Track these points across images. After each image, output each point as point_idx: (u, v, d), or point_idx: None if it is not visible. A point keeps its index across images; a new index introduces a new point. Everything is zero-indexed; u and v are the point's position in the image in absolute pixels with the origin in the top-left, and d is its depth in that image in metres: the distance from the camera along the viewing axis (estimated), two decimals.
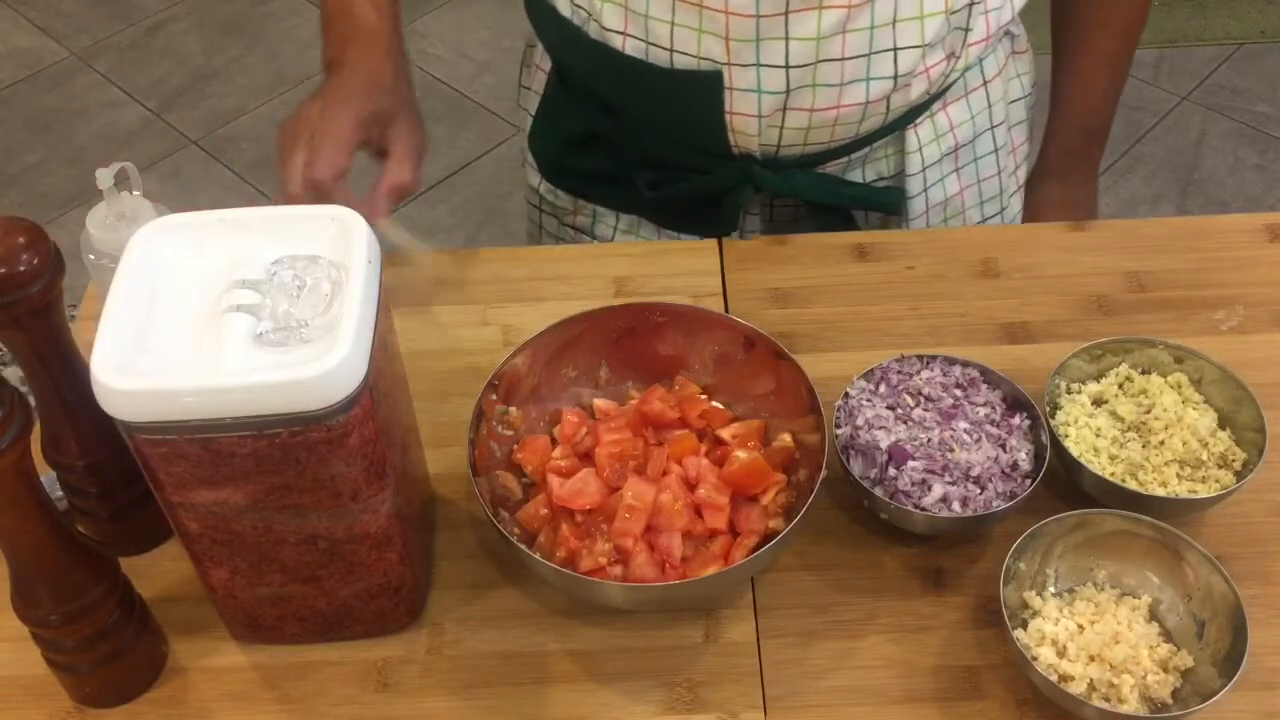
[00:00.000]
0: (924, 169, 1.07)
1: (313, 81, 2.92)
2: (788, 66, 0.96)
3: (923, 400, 0.86)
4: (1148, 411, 0.85)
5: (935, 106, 1.06)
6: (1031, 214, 1.21)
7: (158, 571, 0.84)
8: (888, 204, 1.09)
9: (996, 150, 1.12)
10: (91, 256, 0.86)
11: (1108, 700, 0.72)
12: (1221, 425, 0.85)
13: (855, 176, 1.09)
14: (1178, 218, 1.16)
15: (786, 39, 0.95)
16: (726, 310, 1.00)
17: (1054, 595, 0.79)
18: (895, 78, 0.98)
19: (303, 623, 0.79)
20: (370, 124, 0.95)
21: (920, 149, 1.06)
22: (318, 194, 0.91)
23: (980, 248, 1.05)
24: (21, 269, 0.68)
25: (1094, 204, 1.23)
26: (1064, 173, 1.21)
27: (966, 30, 1.00)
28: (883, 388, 0.87)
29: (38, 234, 0.69)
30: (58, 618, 0.72)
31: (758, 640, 0.80)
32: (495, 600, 0.83)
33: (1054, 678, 0.73)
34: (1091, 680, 0.73)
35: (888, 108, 1.01)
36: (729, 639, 0.80)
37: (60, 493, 0.83)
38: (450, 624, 0.81)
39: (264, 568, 0.74)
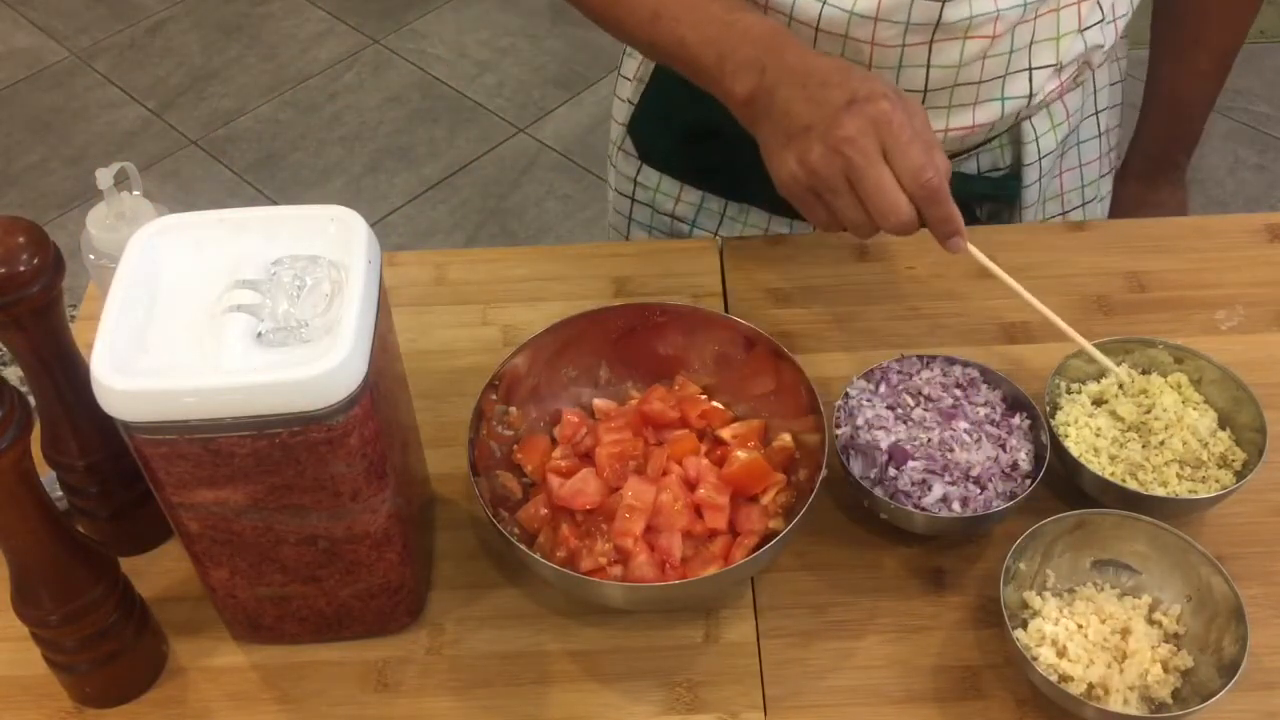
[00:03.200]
0: (1040, 158, 1.07)
1: (312, 81, 2.94)
2: (926, 90, 0.96)
3: (923, 400, 0.86)
4: (1148, 411, 0.85)
5: (1051, 96, 1.06)
6: (1116, 211, 1.22)
7: (158, 571, 0.84)
8: (1005, 194, 1.08)
9: (1100, 134, 1.13)
10: (91, 256, 0.86)
11: (1107, 700, 0.72)
12: (1221, 425, 0.85)
13: (969, 166, 1.08)
14: (1178, 218, 1.16)
15: (928, 66, 0.94)
16: (726, 310, 1.00)
17: (1054, 595, 0.79)
18: (1030, 96, 0.98)
19: (303, 623, 0.79)
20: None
21: (1037, 139, 1.06)
22: (936, 202, 0.78)
23: (980, 248, 1.05)
24: (21, 269, 0.68)
25: (1178, 205, 1.24)
26: (1147, 174, 1.22)
27: (1102, 46, 1.00)
28: (883, 388, 0.87)
29: (38, 234, 0.69)
30: (58, 618, 0.72)
31: (758, 640, 0.80)
32: (495, 600, 0.83)
33: (1054, 678, 0.73)
34: (1091, 680, 0.73)
35: (1017, 118, 1.02)
36: (729, 639, 0.80)
37: (60, 493, 0.83)
38: (450, 624, 0.81)
39: (264, 568, 0.74)
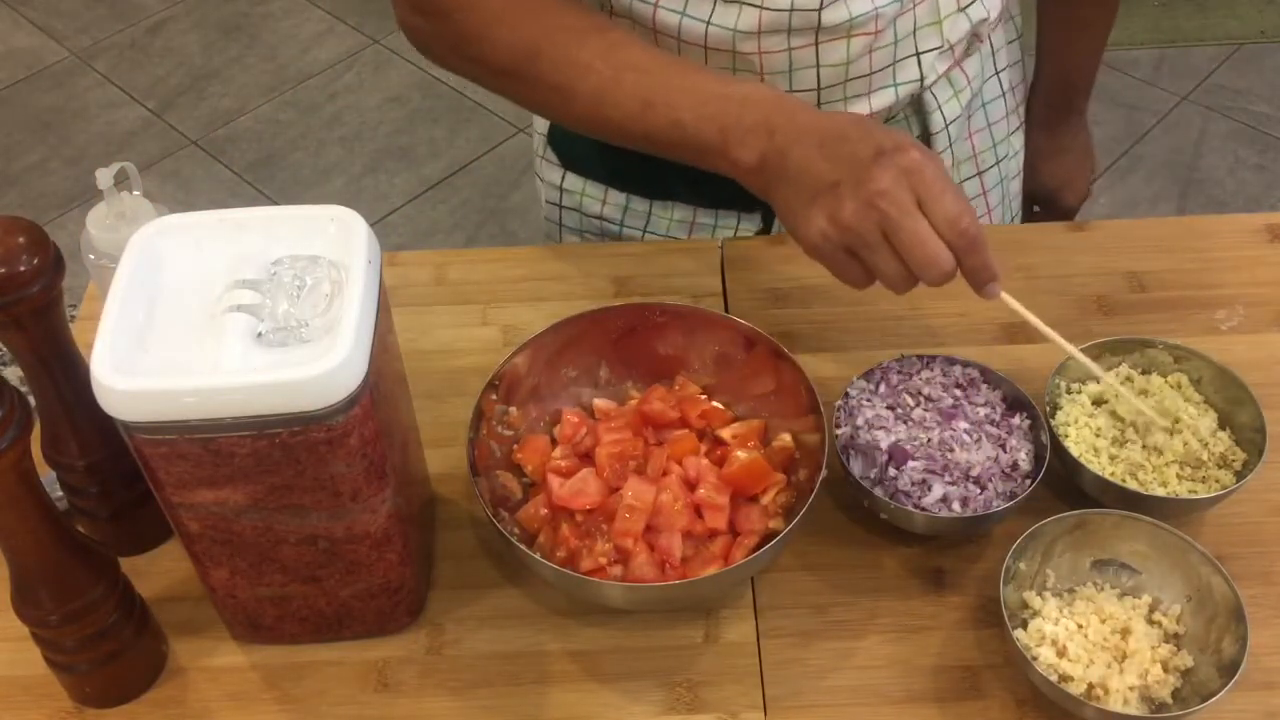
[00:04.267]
0: (947, 125, 1.07)
1: (312, 81, 2.94)
2: (819, 88, 0.97)
3: (923, 400, 0.86)
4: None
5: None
6: (1027, 167, 1.24)
7: (158, 571, 0.84)
8: None
9: (1003, 94, 1.14)
10: (91, 256, 0.86)
11: (1107, 700, 0.72)
12: (1221, 425, 0.85)
13: None
14: (1178, 218, 1.16)
15: (817, 66, 0.95)
16: (726, 310, 1.00)
17: (1054, 595, 0.79)
18: (921, 80, 1.00)
19: (303, 623, 0.79)
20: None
21: (940, 107, 1.06)
22: (975, 250, 0.77)
23: None
24: (21, 269, 0.68)
25: (1083, 148, 1.28)
26: (1049, 123, 1.25)
27: (987, 18, 1.01)
28: (883, 388, 0.87)
29: (38, 234, 0.69)
30: (58, 618, 0.72)
31: (758, 640, 0.80)
32: (495, 600, 0.83)
33: (1054, 678, 0.73)
34: (1091, 680, 0.73)
35: (911, 99, 1.03)
36: (729, 639, 0.80)
37: (60, 493, 0.83)
38: (450, 624, 0.81)
39: (264, 568, 0.74)
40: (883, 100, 1.00)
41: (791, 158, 0.79)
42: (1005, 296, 0.81)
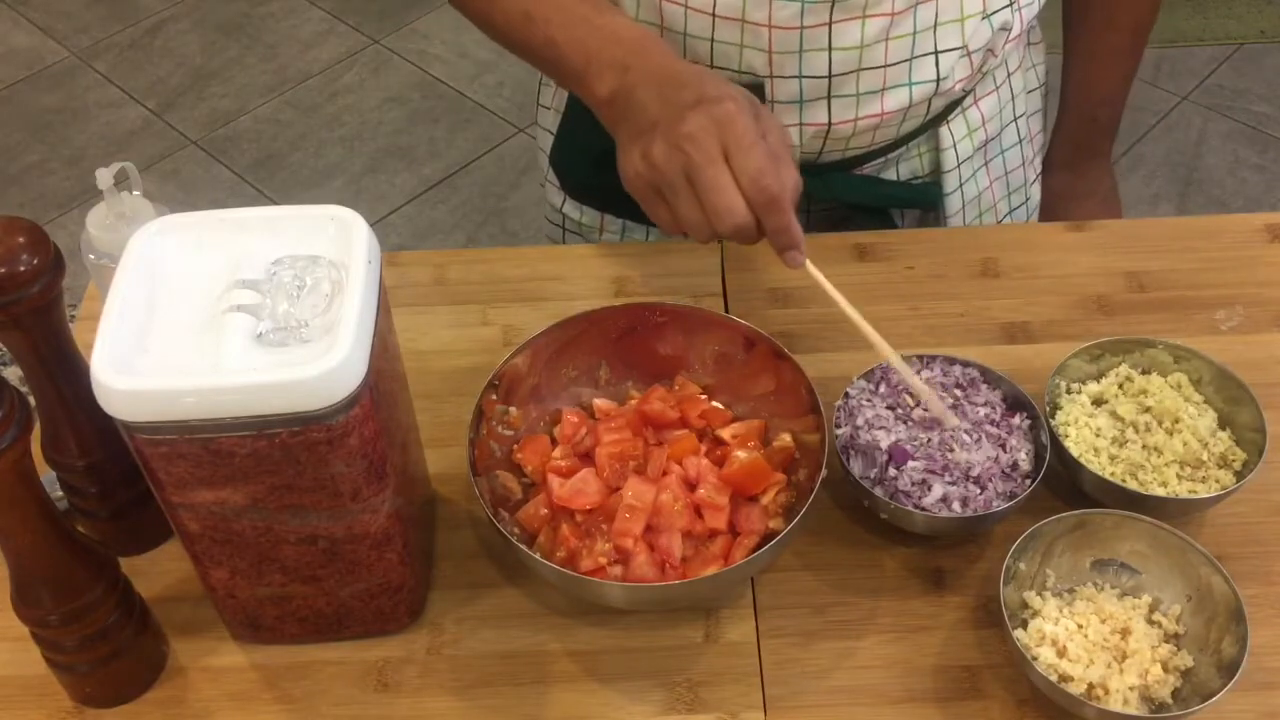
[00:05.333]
0: (959, 164, 1.07)
1: (312, 81, 2.94)
2: (830, 76, 0.96)
3: (923, 400, 0.86)
4: (1147, 411, 0.85)
5: (967, 102, 1.06)
6: (1046, 206, 1.22)
7: (158, 571, 0.84)
8: (925, 201, 1.09)
9: (1020, 141, 1.13)
10: (91, 256, 0.86)
11: (1107, 700, 0.72)
12: (1221, 425, 0.85)
13: (890, 175, 1.09)
14: (1178, 218, 1.16)
15: (829, 49, 0.94)
16: (726, 310, 1.00)
17: (1054, 595, 0.79)
18: (937, 80, 0.98)
19: (303, 623, 0.79)
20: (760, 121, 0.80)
21: (954, 145, 1.06)
22: (774, 211, 0.76)
23: (980, 248, 1.05)
24: (21, 269, 0.68)
25: (1108, 193, 1.23)
26: (1072, 164, 1.22)
27: (1009, 30, 1.00)
28: (883, 388, 0.87)
29: (38, 234, 0.69)
30: (58, 618, 0.72)
31: (758, 640, 0.80)
32: (495, 600, 0.83)
33: (1054, 678, 0.73)
34: (1091, 680, 0.73)
35: (928, 109, 1.01)
36: (729, 639, 0.80)
37: (60, 493, 0.84)
38: (450, 624, 0.81)
39: (264, 568, 0.74)
40: (896, 101, 0.98)
41: (635, 97, 0.81)
42: (810, 268, 0.81)
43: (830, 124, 0.99)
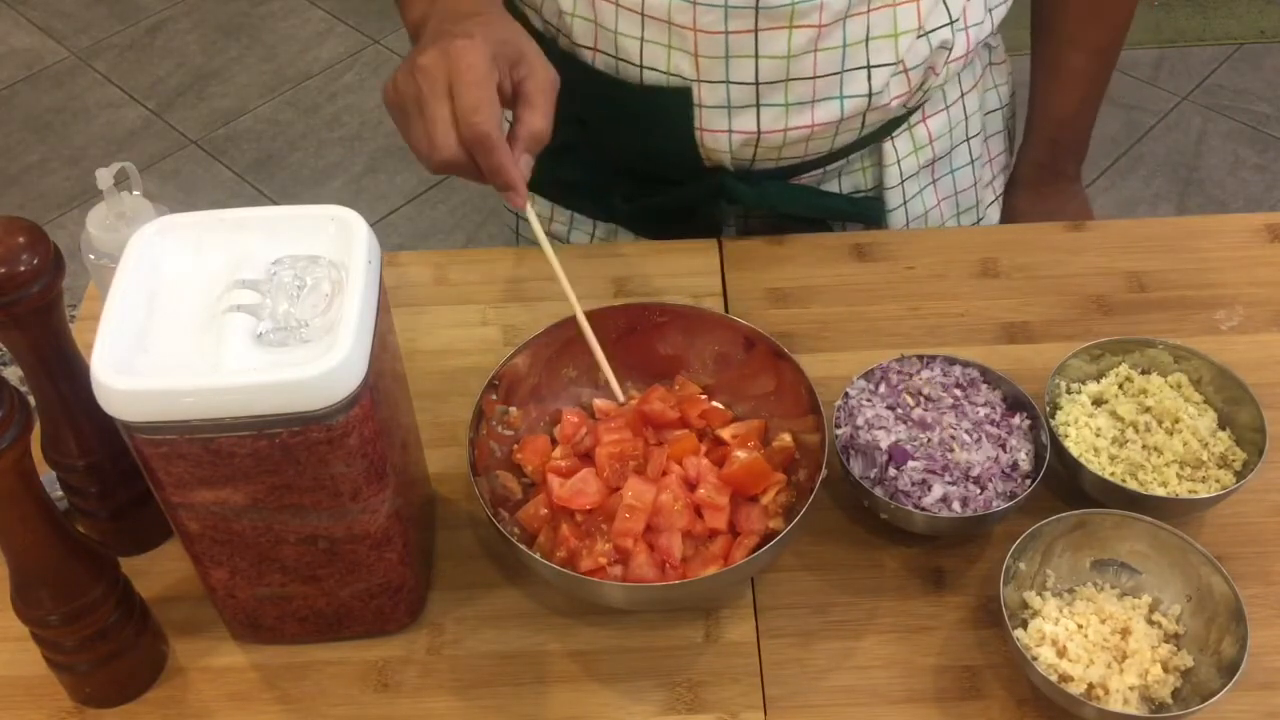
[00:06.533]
0: (903, 181, 1.07)
1: (312, 81, 2.93)
2: (757, 84, 0.95)
3: (923, 400, 0.86)
4: (1147, 411, 0.85)
5: (914, 119, 1.05)
6: (1007, 223, 1.20)
7: (158, 571, 0.84)
8: (867, 216, 1.08)
9: (973, 162, 1.12)
10: (91, 256, 0.86)
11: (1107, 700, 0.72)
12: (1221, 425, 0.85)
13: (832, 187, 1.08)
14: (1178, 218, 1.16)
15: (756, 56, 0.94)
16: (726, 310, 1.00)
17: (1054, 595, 0.79)
18: (869, 95, 0.97)
19: (303, 623, 0.79)
20: (502, 61, 0.79)
21: (899, 161, 1.05)
22: (483, 150, 0.76)
23: (980, 248, 1.05)
24: (21, 269, 0.68)
25: (1076, 214, 1.19)
26: (1034, 184, 1.20)
27: (949, 49, 0.99)
28: (883, 388, 0.87)
29: (38, 234, 0.69)
30: (58, 618, 0.72)
31: (758, 640, 0.80)
32: (495, 600, 0.83)
33: (1054, 678, 0.73)
34: (1091, 680, 0.73)
35: (862, 124, 1.00)
36: (729, 639, 0.80)
37: (60, 493, 0.84)
38: (450, 624, 0.81)
39: (264, 568, 0.74)
40: (827, 113, 0.97)
41: (426, 28, 0.83)
42: (530, 215, 0.81)
43: (760, 132, 0.98)
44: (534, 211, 0.81)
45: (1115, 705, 0.72)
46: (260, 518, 0.70)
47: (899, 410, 0.85)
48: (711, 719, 0.76)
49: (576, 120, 1.06)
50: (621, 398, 0.85)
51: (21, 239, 0.68)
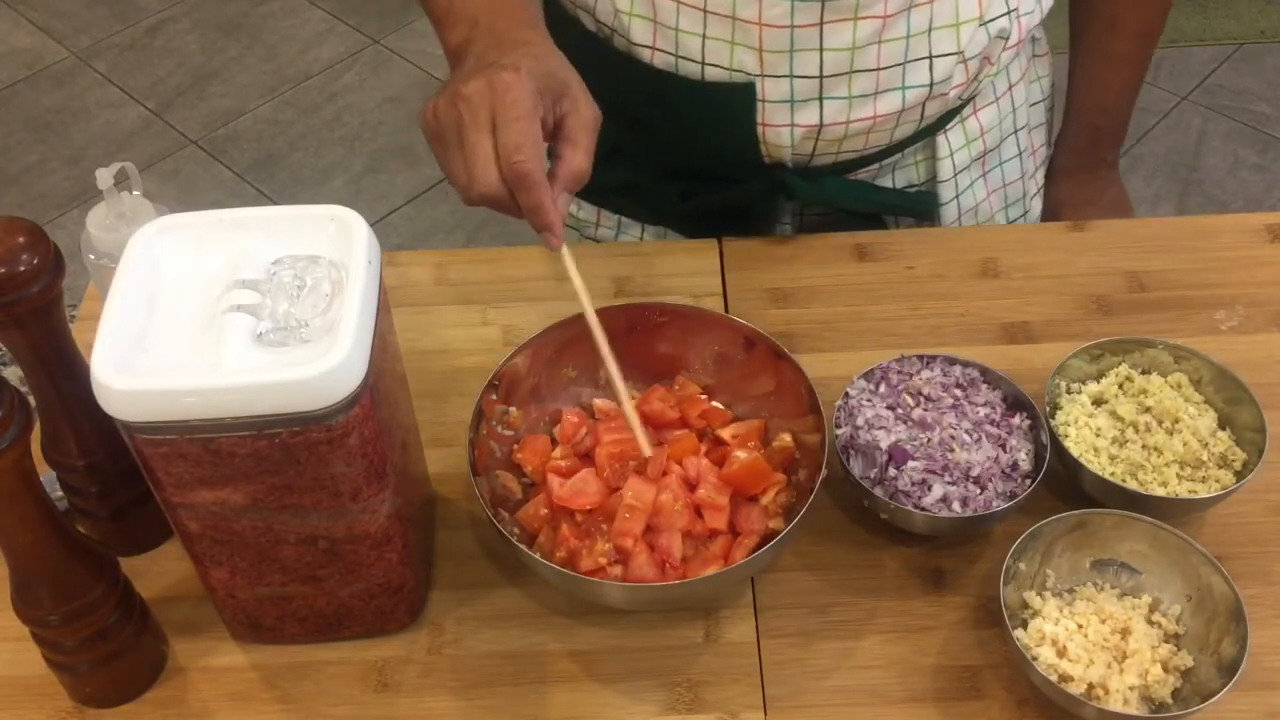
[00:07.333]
0: (955, 174, 1.07)
1: (312, 81, 2.94)
2: (821, 77, 0.95)
3: (923, 400, 0.86)
4: (1147, 411, 0.85)
5: (966, 111, 1.05)
6: (1048, 214, 1.21)
7: (158, 571, 0.84)
8: (920, 210, 1.09)
9: (1020, 154, 1.12)
10: (91, 256, 0.86)
11: (1107, 700, 0.72)
12: (1221, 425, 0.85)
13: (886, 182, 1.08)
14: (1178, 218, 1.16)
15: (821, 50, 0.94)
16: (726, 310, 1.00)
17: (1054, 595, 0.79)
18: (931, 85, 0.98)
19: (303, 623, 0.79)
20: (547, 95, 0.78)
21: (952, 154, 1.06)
22: (524, 188, 0.75)
23: (980, 248, 1.05)
24: (21, 269, 0.68)
25: (1111, 203, 1.21)
26: (1073, 171, 1.21)
27: (1005, 38, 0.99)
28: (883, 388, 0.87)
29: (38, 234, 0.69)
30: (58, 618, 0.72)
31: (758, 640, 0.80)
32: (495, 600, 0.83)
33: (1054, 678, 0.73)
34: (1091, 680, 0.73)
35: (922, 114, 1.01)
36: (729, 639, 0.80)
37: (60, 493, 0.83)
38: (450, 624, 0.81)
39: (264, 568, 0.74)
40: (889, 105, 0.98)
41: (468, 51, 0.81)
42: (566, 256, 0.80)
43: (822, 125, 0.98)
44: (569, 252, 0.80)
45: (1115, 705, 0.72)
46: (260, 518, 0.70)
47: (899, 410, 0.85)
48: (711, 719, 0.76)
49: (628, 123, 1.05)
50: (647, 450, 0.81)
51: (21, 239, 0.68)
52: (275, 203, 2.59)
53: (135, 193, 0.86)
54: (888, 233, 1.08)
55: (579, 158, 0.78)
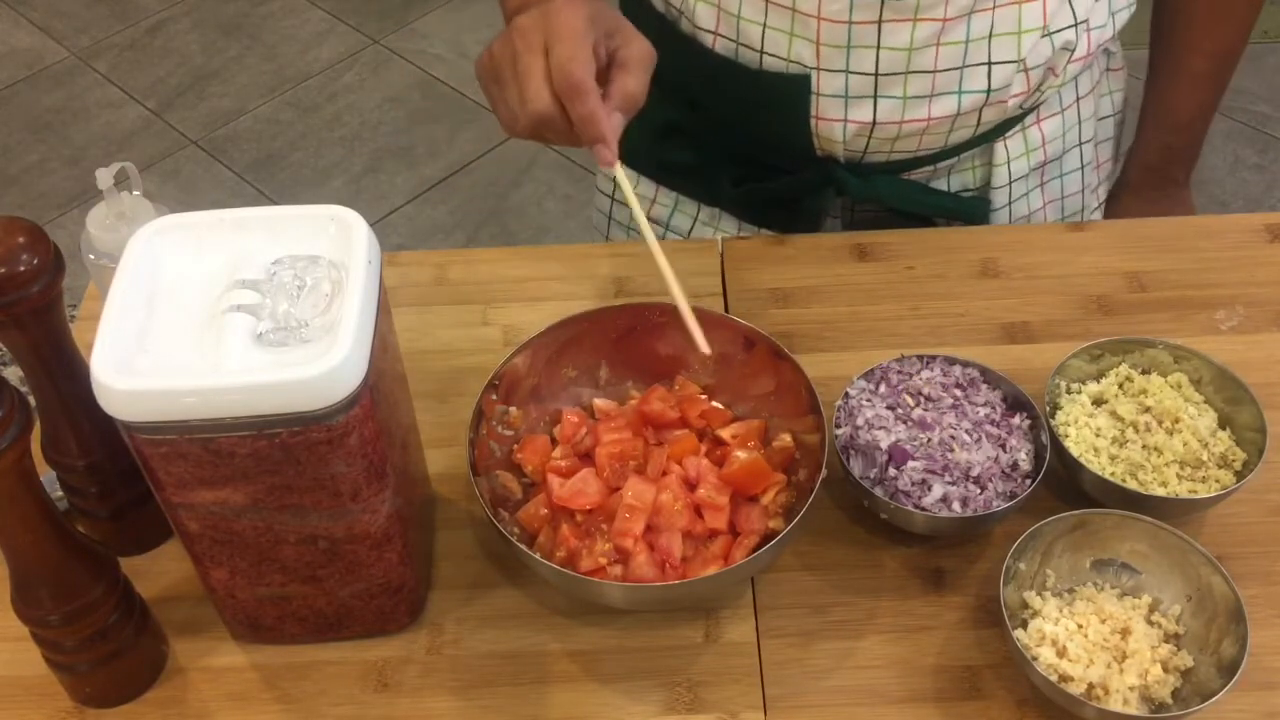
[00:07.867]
0: (1010, 182, 1.07)
1: (312, 81, 2.93)
2: (877, 75, 0.96)
3: (923, 400, 0.86)
4: (1147, 411, 0.85)
5: (1028, 120, 1.05)
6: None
7: (158, 571, 0.84)
8: (971, 215, 1.08)
9: (1082, 167, 1.12)
10: (91, 256, 0.86)
11: (1107, 700, 0.72)
12: (1221, 425, 0.85)
13: (940, 185, 1.08)
14: (1178, 217, 1.16)
15: (878, 47, 0.94)
16: (726, 310, 1.00)
17: (1054, 595, 0.79)
18: (988, 92, 0.97)
19: (303, 623, 0.79)
20: (599, 26, 0.79)
21: (1009, 162, 1.06)
22: (576, 96, 0.75)
23: (980, 248, 1.05)
24: (21, 269, 0.68)
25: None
26: (1142, 188, 1.19)
27: (1071, 50, 0.98)
28: (883, 388, 0.87)
29: (38, 234, 0.69)
30: (58, 618, 0.72)
31: (758, 640, 0.80)
32: (495, 600, 0.83)
33: (1054, 678, 0.73)
34: (1091, 680, 0.73)
35: (978, 120, 1.01)
36: (729, 639, 0.80)
37: (60, 493, 0.84)
38: (450, 624, 0.81)
39: (264, 568, 0.74)
40: (943, 108, 0.98)
41: (525, 10, 0.82)
42: (620, 175, 0.80)
43: (875, 123, 0.99)
44: (623, 172, 0.80)
45: (1115, 705, 0.72)
46: (260, 518, 0.70)
47: (899, 410, 0.85)
48: (711, 719, 0.76)
49: (687, 102, 1.06)
50: (706, 348, 0.78)
51: (21, 239, 0.68)
52: (275, 203, 2.59)
53: (135, 193, 0.86)
54: (888, 232, 1.08)
55: (631, 81, 0.78)
